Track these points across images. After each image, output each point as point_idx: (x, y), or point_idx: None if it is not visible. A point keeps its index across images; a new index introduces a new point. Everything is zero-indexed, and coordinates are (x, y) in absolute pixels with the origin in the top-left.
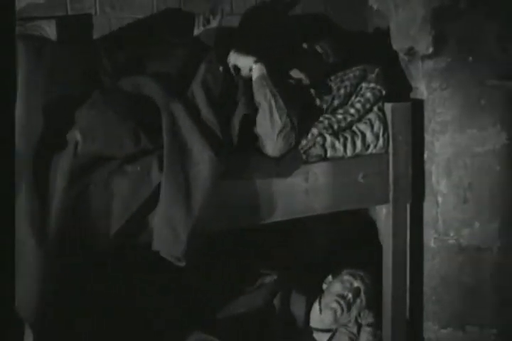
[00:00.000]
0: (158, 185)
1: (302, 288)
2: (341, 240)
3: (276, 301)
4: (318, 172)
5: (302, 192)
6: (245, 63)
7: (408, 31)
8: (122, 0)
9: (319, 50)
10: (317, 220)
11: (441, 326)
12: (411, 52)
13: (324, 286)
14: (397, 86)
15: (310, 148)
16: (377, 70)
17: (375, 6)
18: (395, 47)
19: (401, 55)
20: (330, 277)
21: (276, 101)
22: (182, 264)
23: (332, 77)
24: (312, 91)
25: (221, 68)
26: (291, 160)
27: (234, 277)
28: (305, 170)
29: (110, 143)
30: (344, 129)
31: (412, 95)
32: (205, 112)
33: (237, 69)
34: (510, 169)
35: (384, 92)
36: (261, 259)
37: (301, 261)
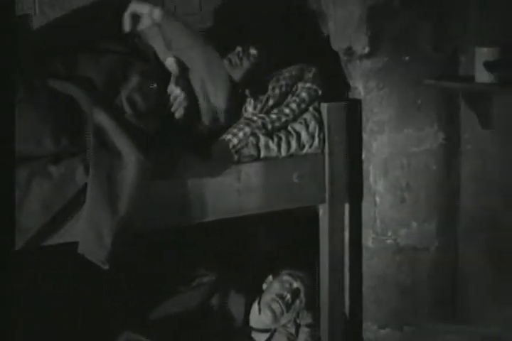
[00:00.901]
0: (84, 187)
1: (242, 288)
2: (287, 240)
3: (213, 301)
4: (251, 172)
5: (234, 192)
6: (144, 8)
7: (346, 31)
8: (62, 0)
9: (253, 52)
10: (262, 219)
11: (380, 326)
12: (349, 51)
13: (264, 286)
14: (338, 86)
15: (242, 147)
16: (314, 70)
17: (314, 6)
18: (334, 46)
19: (341, 55)
20: (270, 277)
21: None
22: (105, 267)
23: (268, 77)
24: (247, 91)
25: (154, 85)
26: (222, 160)
27: (170, 277)
28: (237, 169)
29: (27, 141)
30: (279, 129)
31: (351, 95)
32: (132, 118)
33: (136, 17)
34: (446, 169)
35: (320, 92)
36: (200, 259)
37: (243, 261)
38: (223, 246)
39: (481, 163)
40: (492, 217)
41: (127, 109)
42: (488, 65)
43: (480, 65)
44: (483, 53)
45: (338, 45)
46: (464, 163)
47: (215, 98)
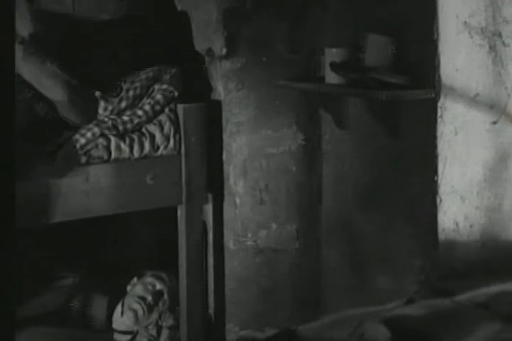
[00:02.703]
0: None
1: (105, 290)
2: (155, 240)
3: (74, 303)
4: (100, 173)
5: (82, 194)
6: None
7: (205, 32)
8: None
9: (122, 53)
10: (136, 219)
11: (241, 328)
12: (209, 53)
13: (129, 288)
14: (203, 87)
15: (92, 149)
16: (173, 71)
17: (179, 7)
18: (197, 48)
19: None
20: (135, 279)
21: None
22: None
23: (126, 79)
24: (97, 93)
25: (29, 95)
26: (68, 160)
27: (30, 279)
28: (85, 171)
29: None
30: (132, 131)
31: (213, 96)
32: None
33: None
34: (306, 170)
35: (176, 94)
36: (62, 260)
37: (109, 262)
38: (88, 247)
39: (340, 164)
40: (348, 217)
41: None
42: (334, 66)
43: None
44: (332, 54)
45: (200, 46)
46: (325, 163)
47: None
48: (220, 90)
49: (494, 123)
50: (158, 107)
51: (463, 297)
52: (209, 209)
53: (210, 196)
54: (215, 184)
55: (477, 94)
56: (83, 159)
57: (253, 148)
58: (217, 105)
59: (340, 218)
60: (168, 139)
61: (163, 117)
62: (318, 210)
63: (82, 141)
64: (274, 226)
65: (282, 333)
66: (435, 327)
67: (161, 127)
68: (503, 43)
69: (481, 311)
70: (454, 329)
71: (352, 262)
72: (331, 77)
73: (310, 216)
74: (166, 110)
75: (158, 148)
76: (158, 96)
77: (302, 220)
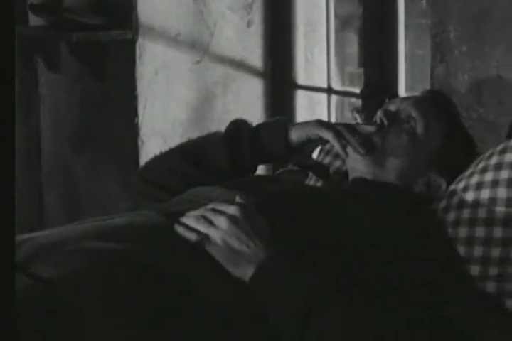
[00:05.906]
0: None
1: None
2: None
3: None
4: None
5: None
6: None
7: None
8: None
9: None
10: None
11: None
12: None
13: None
14: None
15: None
16: None
17: None
18: None
19: None
20: None
21: None
22: None
23: None
24: None
25: None
26: None
27: None
28: None
29: None
30: None
31: None
32: None
33: None
34: (22, 114)
35: None
36: None
37: None
38: None
39: (56, 108)
40: (66, 162)
41: None
42: (33, 7)
43: None
44: None
45: None
46: (42, 107)
47: None
48: None
49: (197, 62)
50: None
51: None
52: None
53: None
54: None
55: (178, 34)
56: None
57: None
58: None
59: (59, 162)
60: None
61: None
62: (37, 155)
63: None
64: None
65: None
66: None
67: None
68: None
69: None
70: None
71: (71, 207)
72: (34, 20)
73: (28, 161)
74: None
75: None
76: None
77: (20, 166)
